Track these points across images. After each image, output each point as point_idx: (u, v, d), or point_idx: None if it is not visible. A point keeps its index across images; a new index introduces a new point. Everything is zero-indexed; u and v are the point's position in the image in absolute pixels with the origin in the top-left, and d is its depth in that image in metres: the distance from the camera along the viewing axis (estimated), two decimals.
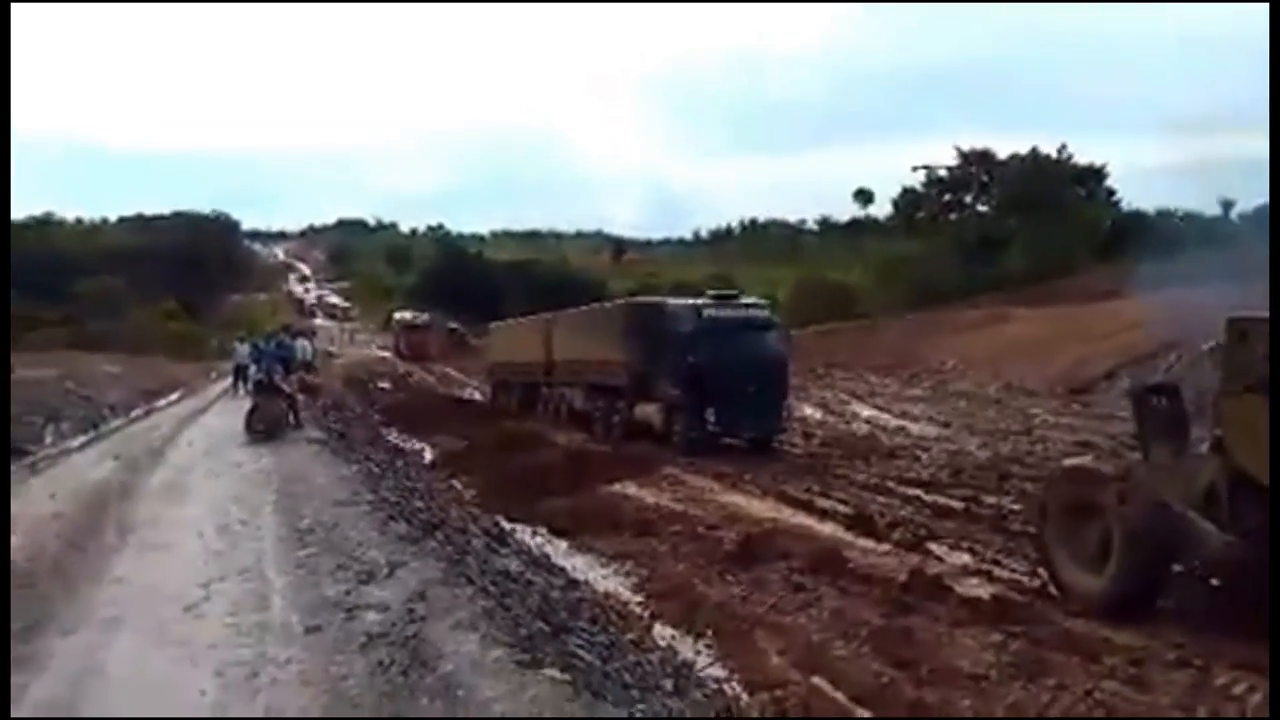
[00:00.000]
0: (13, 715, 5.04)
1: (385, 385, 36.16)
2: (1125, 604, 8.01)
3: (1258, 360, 7.65)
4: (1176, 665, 7.26)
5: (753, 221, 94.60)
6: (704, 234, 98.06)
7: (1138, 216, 51.21)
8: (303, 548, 7.93)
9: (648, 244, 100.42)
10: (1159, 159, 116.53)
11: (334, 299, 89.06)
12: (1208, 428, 8.85)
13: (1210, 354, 21.41)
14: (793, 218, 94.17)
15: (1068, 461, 9.97)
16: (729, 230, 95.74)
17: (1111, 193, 52.82)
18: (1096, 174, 52.64)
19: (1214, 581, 8.30)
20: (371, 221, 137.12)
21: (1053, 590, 9.12)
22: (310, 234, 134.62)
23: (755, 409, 17.95)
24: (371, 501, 10.14)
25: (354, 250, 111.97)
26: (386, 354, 51.72)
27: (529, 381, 26.42)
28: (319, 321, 67.79)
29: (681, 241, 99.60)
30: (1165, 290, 29.64)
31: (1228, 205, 64.90)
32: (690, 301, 19.66)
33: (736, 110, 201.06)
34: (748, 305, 19.88)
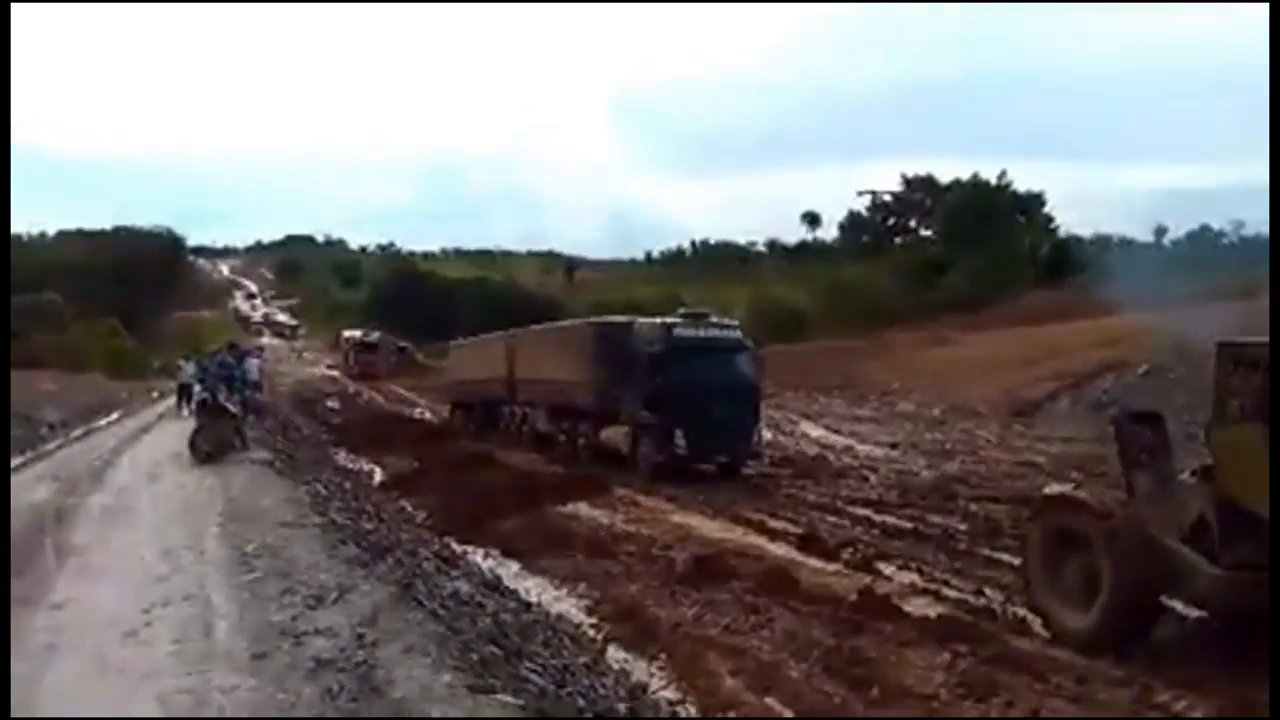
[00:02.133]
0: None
1: (334, 404, 35.64)
2: (1115, 640, 7.71)
3: (1252, 387, 7.44)
4: (1121, 684, 7.42)
5: (704, 242, 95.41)
6: (656, 254, 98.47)
7: (1075, 242, 52.61)
8: (249, 572, 7.76)
9: (600, 263, 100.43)
10: (1096, 186, 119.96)
11: (281, 316, 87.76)
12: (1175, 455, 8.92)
13: (1145, 377, 22.14)
14: (743, 239, 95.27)
15: (1050, 489, 9.44)
16: (681, 251, 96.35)
17: (1050, 219, 54.27)
18: (1035, 200, 54.05)
19: (1198, 615, 8.00)
20: (320, 238, 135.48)
21: (1022, 613, 9.14)
22: (257, 250, 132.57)
23: (726, 433, 17.35)
24: (320, 524, 9.97)
25: (302, 267, 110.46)
26: (335, 373, 51.04)
27: (490, 401, 25.66)
28: (266, 340, 66.68)
29: (634, 261, 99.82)
30: (1115, 313, 30.56)
31: (1160, 232, 67.10)
32: (659, 321, 18.98)
33: (688, 132, 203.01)
34: (718, 325, 19.16)
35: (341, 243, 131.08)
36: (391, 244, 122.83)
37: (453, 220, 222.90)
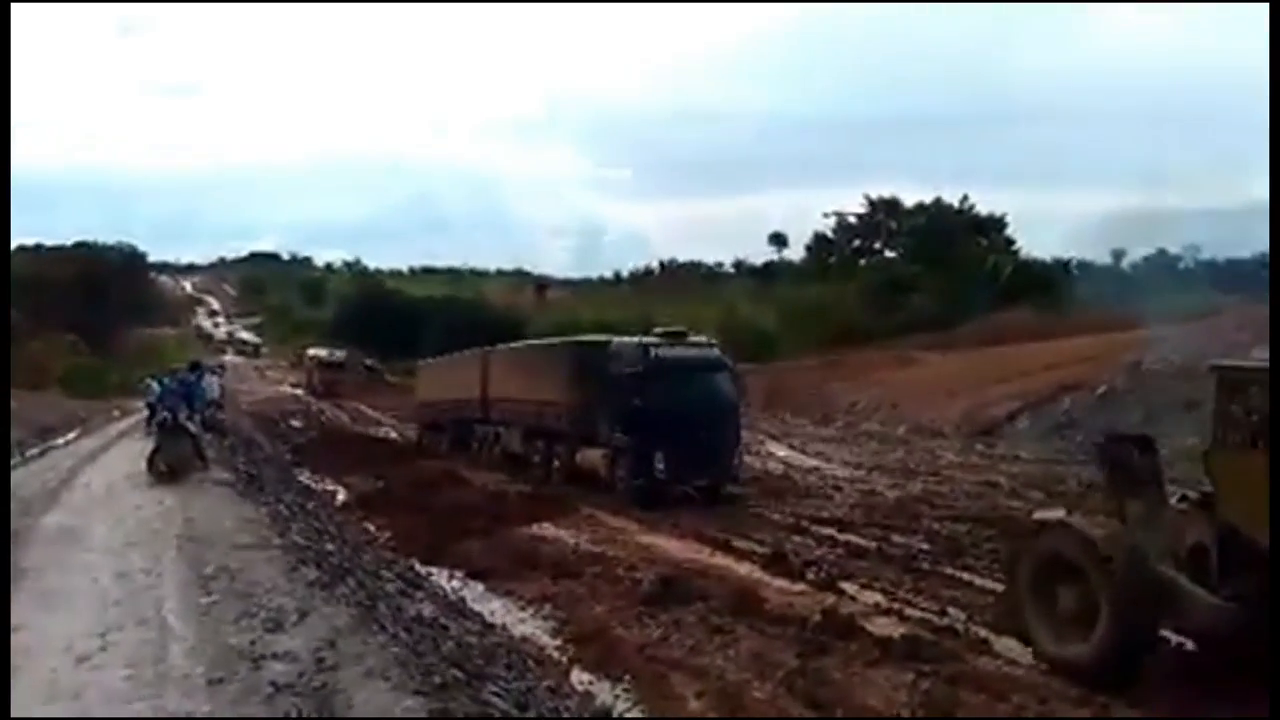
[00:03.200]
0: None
1: (297, 424, 35.23)
2: (1113, 672, 7.47)
3: (1252, 412, 7.23)
4: (1080, 703, 7.53)
5: (672, 262, 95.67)
6: (625, 274, 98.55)
7: (1035, 265, 53.40)
8: (206, 594, 7.61)
9: (569, 283, 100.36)
10: (1054, 210, 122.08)
11: (245, 334, 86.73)
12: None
13: (1102, 398, 22.51)
14: (710, 259, 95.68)
15: (1040, 514, 9.13)
16: (649, 270, 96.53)
17: (1010, 241, 55.08)
18: (996, 224, 54.87)
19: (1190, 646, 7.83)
20: (285, 255, 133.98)
21: (984, 632, 9.20)
22: (221, 267, 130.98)
23: (707, 456, 16.71)
24: (280, 545, 9.82)
25: (266, 284, 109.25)
26: (299, 391, 50.44)
27: (462, 421, 24.94)
28: (228, 357, 65.72)
29: (603, 281, 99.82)
30: (1074, 335, 31.06)
31: (1118, 255, 68.40)
32: (637, 340, 18.36)
33: (656, 154, 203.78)
34: (698, 345, 18.65)
35: (307, 260, 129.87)
36: (357, 261, 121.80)
37: (420, 238, 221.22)
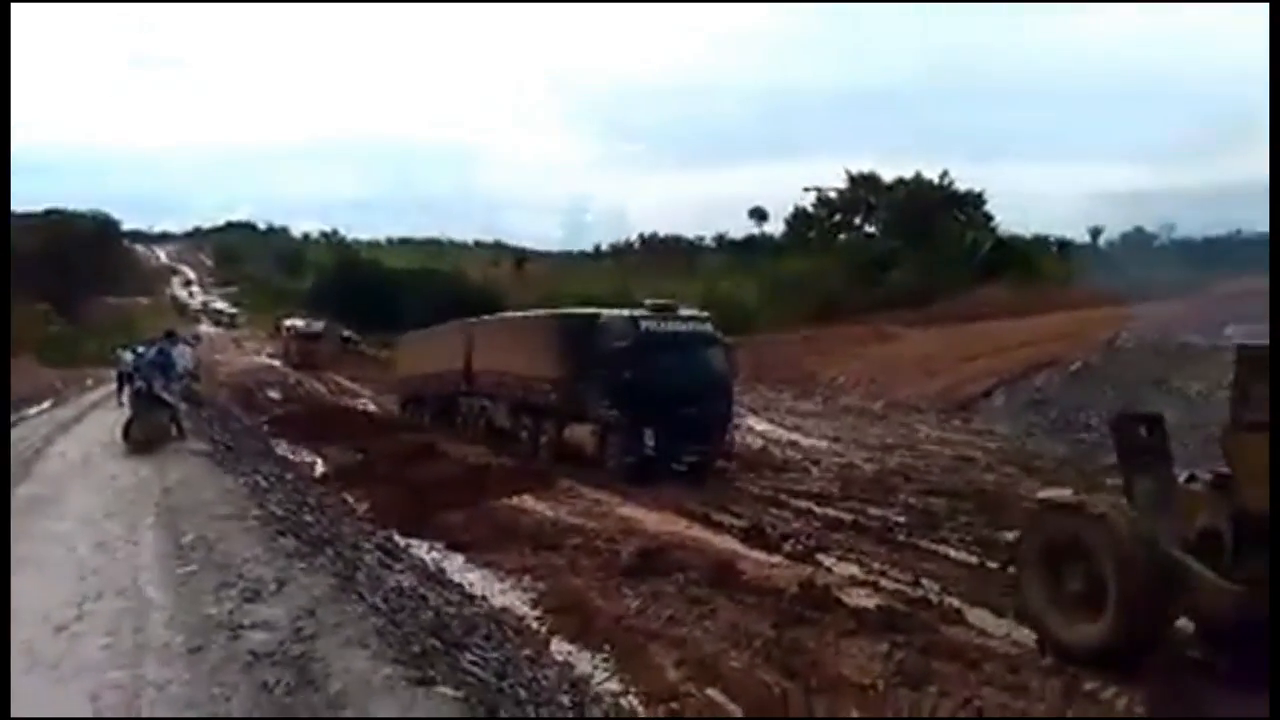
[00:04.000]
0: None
1: (274, 395, 34.99)
2: (1124, 656, 7.29)
3: (1270, 391, 6.96)
4: (1052, 672, 7.67)
5: (653, 236, 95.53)
6: (605, 248, 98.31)
7: (1014, 241, 53.70)
8: (184, 564, 7.59)
9: (549, 256, 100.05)
10: (1033, 187, 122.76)
11: (220, 304, 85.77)
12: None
13: (1077, 374, 22.75)
14: (691, 234, 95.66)
15: (1045, 493, 8.85)
16: (630, 245, 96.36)
17: (989, 217, 55.29)
18: (975, 199, 55.03)
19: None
20: (262, 225, 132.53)
21: (957, 603, 9.35)
22: (196, 236, 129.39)
23: (698, 431, 16.51)
24: (259, 516, 9.79)
25: (243, 254, 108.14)
26: (276, 362, 50.04)
27: (445, 395, 24.37)
28: (204, 328, 65.15)
29: (583, 254, 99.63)
30: (1050, 312, 31.33)
31: (1096, 232, 69.00)
32: (626, 313, 17.86)
33: (638, 128, 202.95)
34: (688, 318, 18.17)
35: (284, 230, 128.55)
36: (335, 232, 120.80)
37: (399, 210, 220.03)
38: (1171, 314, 23.61)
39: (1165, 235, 55.36)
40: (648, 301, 18.67)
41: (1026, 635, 8.56)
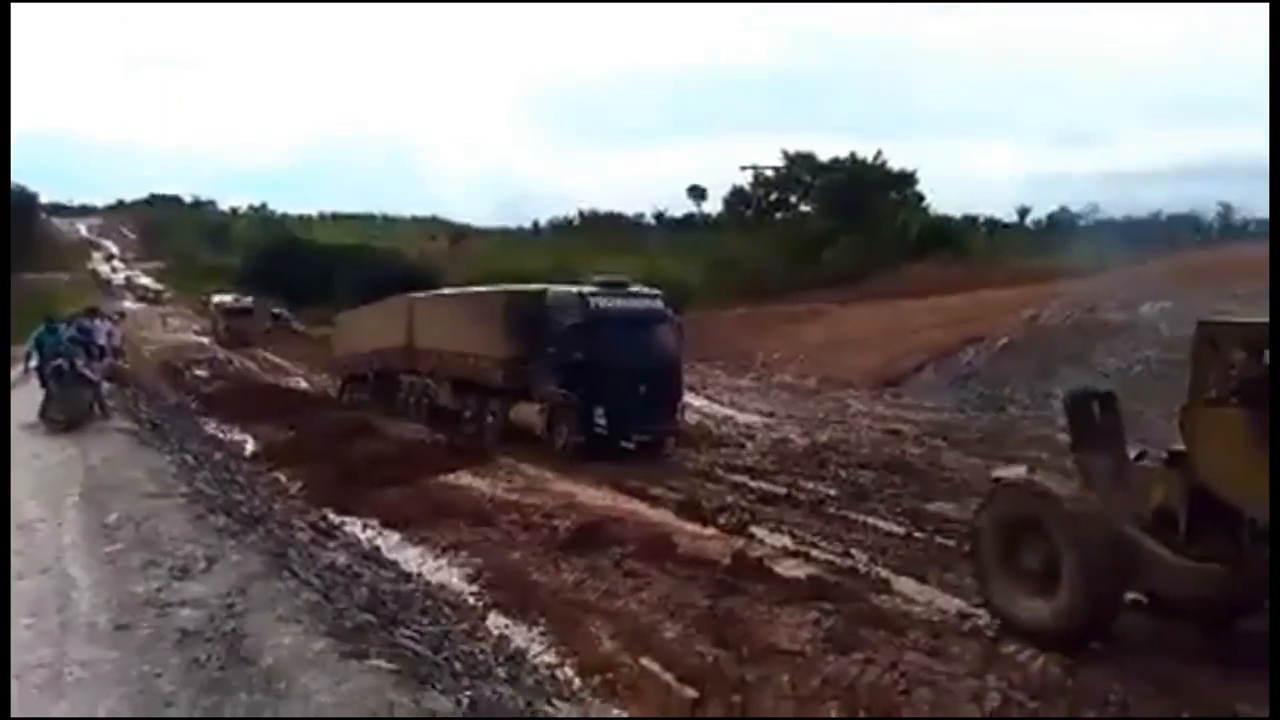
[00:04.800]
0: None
1: (202, 373, 34.17)
2: (1078, 634, 7.31)
3: (1230, 368, 7.08)
4: (970, 635, 7.98)
5: (592, 213, 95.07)
6: (544, 224, 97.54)
7: (945, 220, 54.73)
8: (110, 543, 7.42)
9: (487, 232, 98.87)
10: (963, 167, 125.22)
11: (145, 280, 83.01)
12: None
13: (1003, 350, 23.39)
14: (631, 211, 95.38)
15: (1000, 472, 8.84)
16: (569, 221, 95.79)
17: (921, 197, 56.24)
18: (908, 179, 55.91)
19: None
20: (188, 198, 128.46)
21: (884, 573, 9.67)
22: (119, 209, 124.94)
23: (649, 410, 16.25)
24: (186, 494, 9.60)
25: (168, 228, 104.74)
26: (204, 339, 48.81)
27: (385, 372, 23.51)
28: (128, 304, 63.10)
29: (521, 230, 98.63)
30: (978, 289, 32.09)
31: (1024, 212, 70.71)
32: (575, 290, 17.49)
33: (577, 105, 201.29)
34: (639, 294, 17.76)
35: (211, 203, 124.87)
36: (265, 206, 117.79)
37: (331, 184, 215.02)
38: (1093, 292, 24.37)
39: (1089, 216, 56.98)
40: (597, 278, 18.34)
41: (949, 602, 8.91)
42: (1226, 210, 55.31)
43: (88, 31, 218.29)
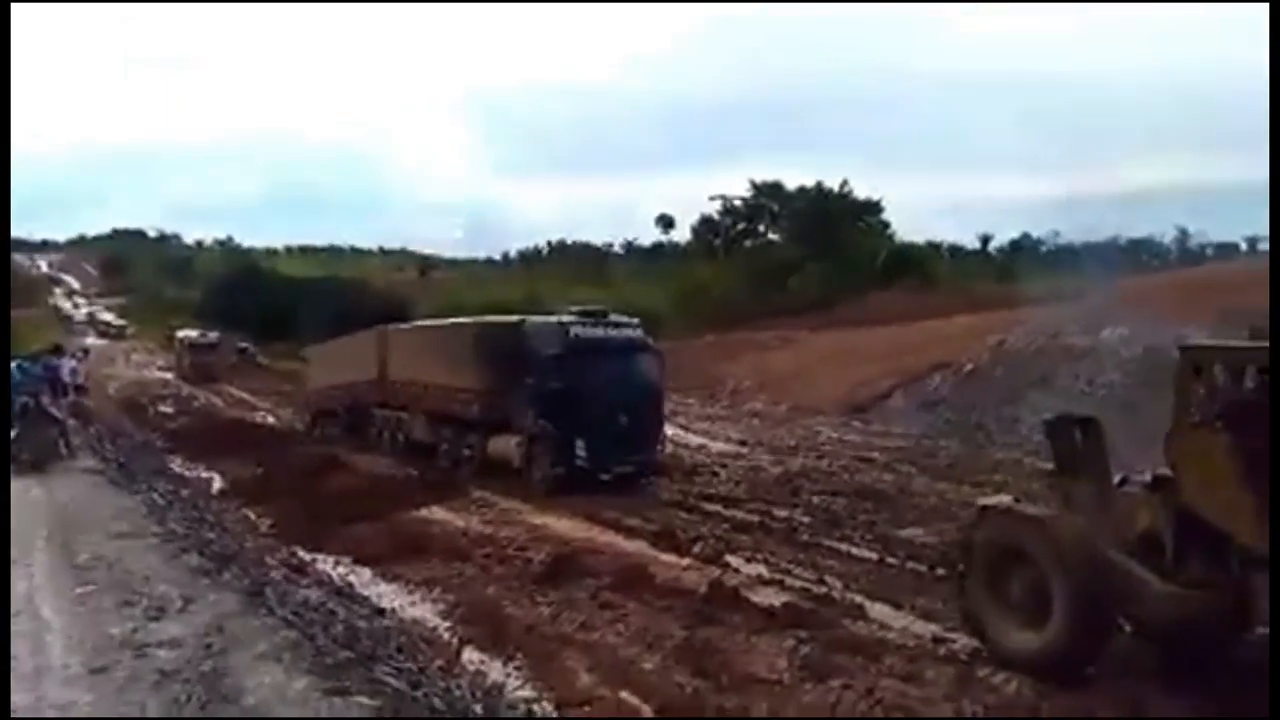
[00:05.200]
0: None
1: (168, 409, 33.72)
2: (1073, 663, 7.24)
3: (1214, 392, 7.06)
4: (945, 660, 8.07)
5: (561, 243, 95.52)
6: (513, 254, 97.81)
7: (910, 248, 55.65)
8: (83, 584, 7.33)
9: (456, 263, 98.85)
10: (927, 195, 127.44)
11: (107, 315, 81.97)
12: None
13: (969, 376, 23.74)
14: (600, 240, 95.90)
15: (986, 500, 8.71)
16: (538, 251, 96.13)
17: (886, 225, 57.15)
18: (874, 208, 56.82)
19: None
20: (151, 232, 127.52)
21: (859, 599, 9.69)
22: (80, 244, 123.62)
23: (631, 442, 15.99)
24: (158, 534, 9.51)
25: (131, 263, 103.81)
26: (168, 375, 48.22)
27: (357, 406, 23.02)
28: (91, 340, 62.23)
29: (491, 261, 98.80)
30: (945, 316, 32.54)
31: (986, 239, 72.08)
32: (554, 319, 17.14)
33: (547, 135, 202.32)
34: (619, 324, 17.46)
35: (175, 237, 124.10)
36: (230, 239, 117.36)
37: (298, 217, 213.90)
38: (1055, 317, 24.83)
39: (1051, 242, 58.17)
40: (575, 307, 17.92)
41: (923, 627, 8.99)
42: (1183, 235, 56.79)
43: (42, 55, 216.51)
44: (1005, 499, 8.54)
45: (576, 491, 15.59)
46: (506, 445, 16.88)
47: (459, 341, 18.70)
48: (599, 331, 16.74)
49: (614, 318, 17.78)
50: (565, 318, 17.02)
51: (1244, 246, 57.38)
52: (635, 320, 18.36)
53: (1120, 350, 21.21)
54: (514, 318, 18.73)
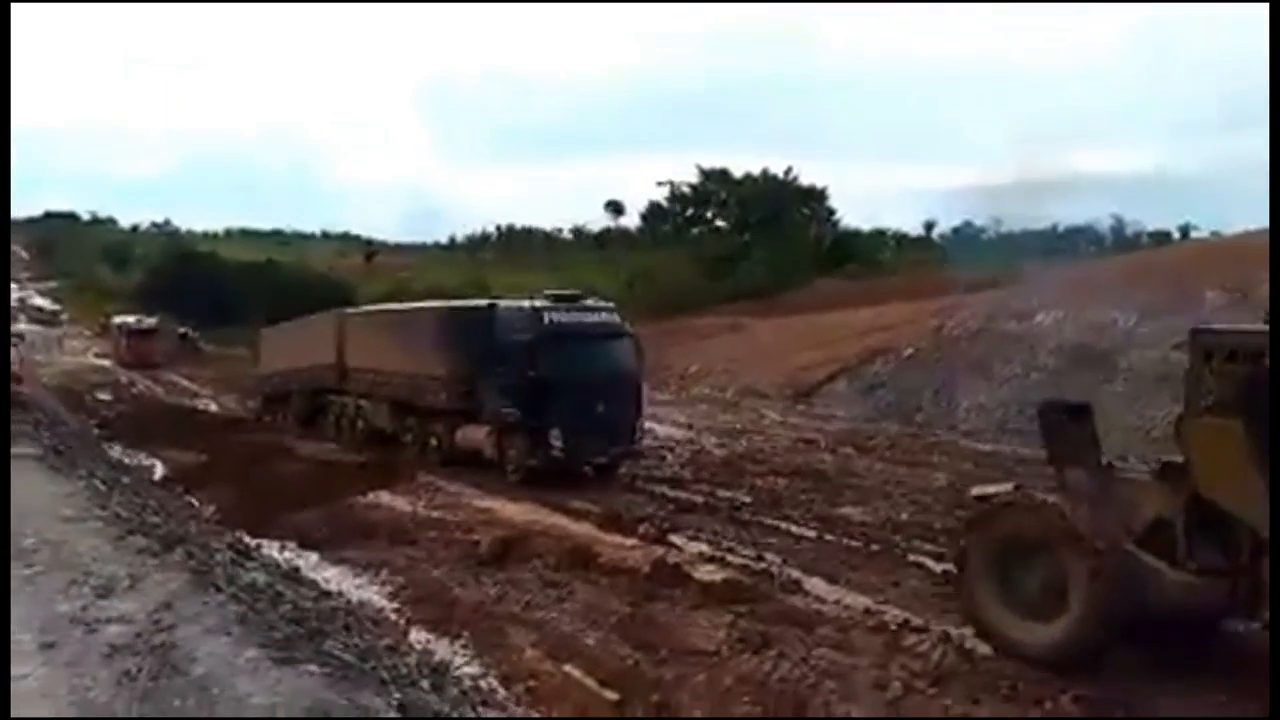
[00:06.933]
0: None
1: (105, 396, 33.07)
2: (1087, 655, 7.05)
3: (1229, 379, 6.92)
4: (875, 630, 8.46)
5: (509, 228, 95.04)
6: (460, 239, 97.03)
7: (854, 235, 56.54)
8: (28, 566, 7.32)
9: (400, 248, 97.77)
10: (871, 182, 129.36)
11: (40, 301, 79.62)
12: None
13: (909, 360, 24.34)
14: (548, 226, 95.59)
15: (981, 490, 8.52)
16: (485, 236, 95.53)
17: (832, 212, 57.96)
18: (818, 195, 57.58)
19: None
20: (85, 215, 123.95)
21: (795, 574, 10.10)
22: (11, 227, 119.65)
23: (608, 430, 15.48)
24: (102, 517, 9.47)
25: (65, 247, 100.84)
26: (106, 362, 47.18)
27: (312, 392, 22.29)
28: (23, 326, 60.45)
29: (437, 246, 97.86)
30: (886, 302, 33.21)
31: (929, 225, 73.39)
32: (527, 304, 16.39)
33: (494, 120, 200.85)
34: (594, 308, 16.92)
35: (110, 221, 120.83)
36: (168, 222, 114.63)
37: (238, 201, 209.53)
38: (993, 303, 25.55)
39: (993, 229, 59.43)
40: (548, 291, 17.28)
41: (856, 600, 9.40)
42: (1119, 223, 58.48)
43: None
44: (1004, 488, 8.27)
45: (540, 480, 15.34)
46: (476, 435, 16.35)
47: (425, 326, 18.14)
48: (574, 316, 16.10)
49: (589, 302, 17.26)
50: (539, 302, 16.40)
51: (1176, 235, 59.26)
52: (610, 305, 17.82)
53: (1054, 334, 21.93)
54: (483, 302, 18.21)
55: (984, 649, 7.78)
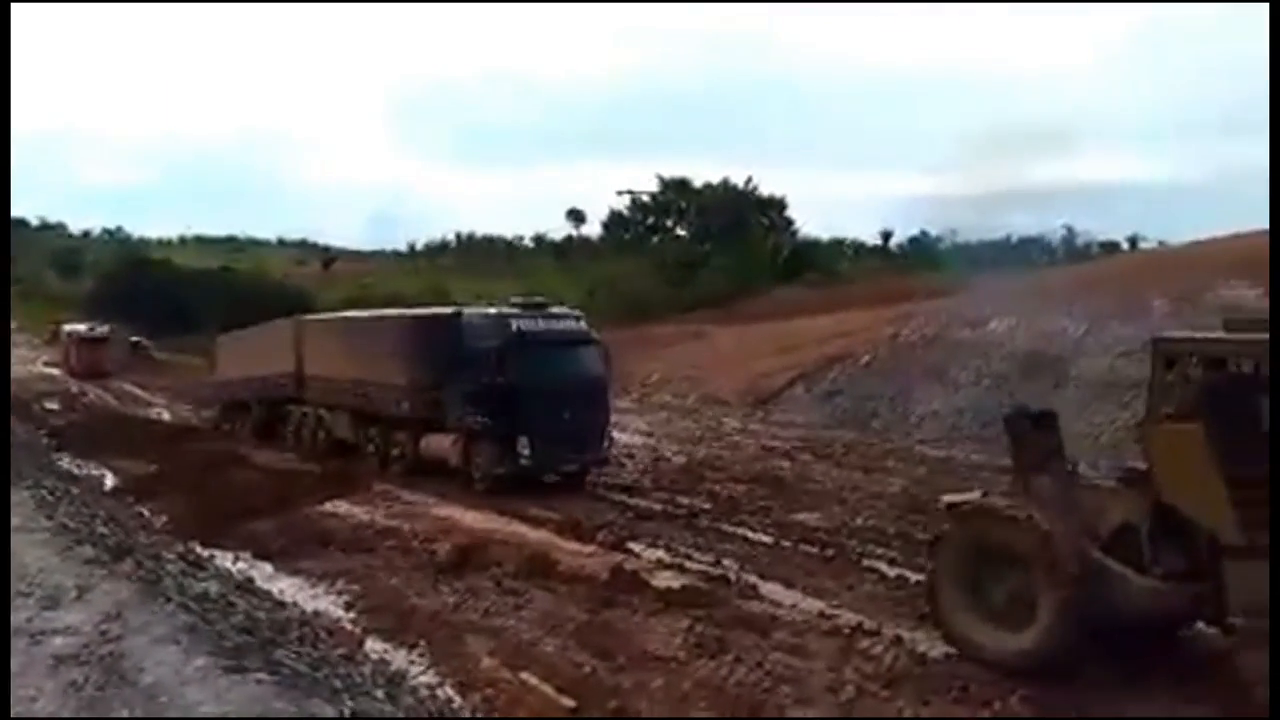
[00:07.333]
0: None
1: (53, 405, 32.37)
2: (1060, 659, 7.05)
3: (1189, 385, 7.02)
4: (830, 634, 8.57)
5: (469, 236, 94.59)
6: (419, 247, 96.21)
7: (813, 244, 57.12)
8: None
9: (359, 255, 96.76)
10: (831, 189, 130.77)
11: None
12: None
13: (866, 367, 24.63)
14: (509, 234, 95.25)
15: (951, 498, 8.50)
16: (445, 244, 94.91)
17: (790, 221, 58.49)
18: (778, 204, 58.08)
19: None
20: (34, 220, 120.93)
21: (752, 579, 10.15)
22: None
23: (576, 438, 15.41)
24: (49, 528, 9.31)
25: (12, 253, 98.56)
26: (54, 370, 46.21)
27: (270, 400, 21.83)
28: None
29: (396, 253, 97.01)
30: (843, 310, 33.57)
31: (887, 235, 74.28)
32: (494, 311, 16.37)
33: (454, 126, 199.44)
34: (562, 315, 16.83)
35: (60, 226, 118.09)
36: (120, 229, 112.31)
37: (191, 207, 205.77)
38: (948, 311, 25.91)
39: (949, 238, 60.27)
40: (514, 298, 17.24)
41: (811, 604, 9.51)
42: (1071, 233, 59.68)
43: None
44: (974, 495, 8.32)
45: (474, 482, 15.41)
46: (442, 444, 16.16)
47: (387, 334, 17.93)
48: (541, 324, 15.97)
49: (555, 309, 17.12)
50: (505, 309, 16.30)
51: (1125, 245, 60.57)
52: (578, 312, 17.72)
53: (1007, 342, 22.30)
54: (447, 309, 17.94)
55: (936, 651, 7.93)
